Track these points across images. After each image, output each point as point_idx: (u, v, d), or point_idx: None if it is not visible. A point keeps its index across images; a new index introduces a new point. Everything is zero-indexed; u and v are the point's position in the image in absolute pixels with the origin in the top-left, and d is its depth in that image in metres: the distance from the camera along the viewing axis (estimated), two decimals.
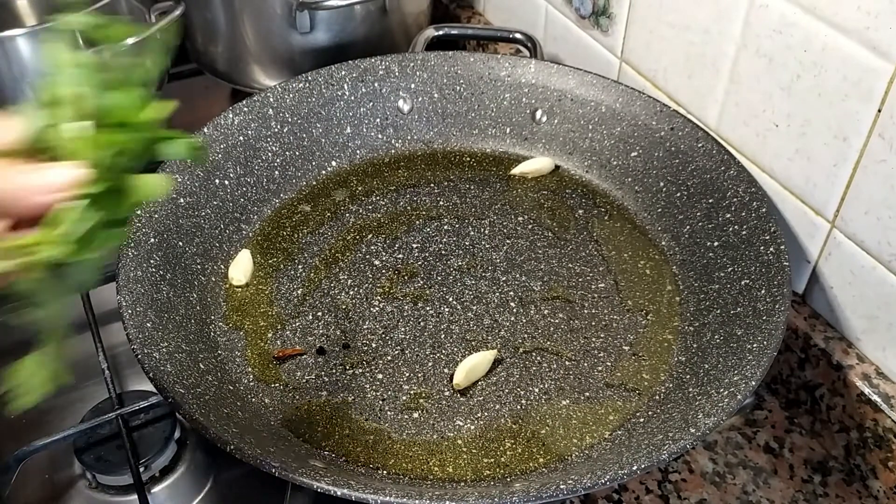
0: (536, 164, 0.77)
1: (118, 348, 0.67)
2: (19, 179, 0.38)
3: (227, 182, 0.70)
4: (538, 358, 0.60)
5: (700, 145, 0.68)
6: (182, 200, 0.66)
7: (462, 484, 0.52)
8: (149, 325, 0.56)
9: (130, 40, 0.42)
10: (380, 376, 0.59)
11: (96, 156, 0.39)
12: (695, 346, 0.59)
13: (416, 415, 0.57)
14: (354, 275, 0.67)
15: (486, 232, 0.71)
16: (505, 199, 0.75)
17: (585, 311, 0.64)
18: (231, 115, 0.72)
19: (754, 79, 0.63)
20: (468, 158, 0.79)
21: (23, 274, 0.37)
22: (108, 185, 0.38)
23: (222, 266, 0.67)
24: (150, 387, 0.52)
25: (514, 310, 0.64)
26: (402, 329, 0.63)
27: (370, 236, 0.71)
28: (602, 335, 0.62)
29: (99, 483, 0.60)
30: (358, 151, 0.79)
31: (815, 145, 0.60)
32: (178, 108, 0.45)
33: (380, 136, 0.79)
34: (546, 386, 0.58)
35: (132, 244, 0.60)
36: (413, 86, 0.79)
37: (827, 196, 0.60)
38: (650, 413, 0.56)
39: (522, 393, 0.58)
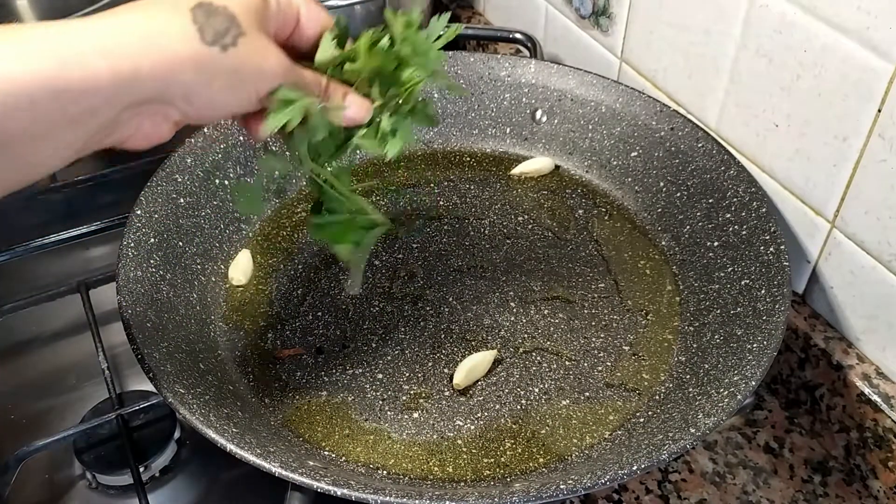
0: (536, 164, 0.77)
1: (118, 348, 0.67)
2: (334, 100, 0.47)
3: (226, 182, 0.70)
4: (538, 358, 0.60)
5: (700, 145, 0.68)
6: (182, 200, 0.66)
7: (462, 484, 0.52)
8: (149, 325, 0.56)
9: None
10: (380, 376, 0.59)
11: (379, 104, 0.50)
12: (695, 346, 0.59)
13: (416, 415, 0.57)
14: None
15: (486, 232, 0.71)
16: (505, 199, 0.75)
17: (585, 311, 0.64)
18: None
19: (754, 79, 0.63)
20: (468, 158, 0.79)
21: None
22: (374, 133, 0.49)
23: (222, 266, 0.67)
24: (150, 387, 0.52)
25: (514, 310, 0.64)
26: (402, 329, 0.63)
27: None
28: (602, 335, 0.62)
29: (99, 483, 0.59)
30: (358, 151, 0.78)
31: (815, 145, 0.60)
32: None
33: None
34: (546, 386, 0.58)
35: (132, 244, 0.60)
36: None
37: (827, 196, 0.60)
38: (650, 413, 0.56)
39: (522, 393, 0.58)
